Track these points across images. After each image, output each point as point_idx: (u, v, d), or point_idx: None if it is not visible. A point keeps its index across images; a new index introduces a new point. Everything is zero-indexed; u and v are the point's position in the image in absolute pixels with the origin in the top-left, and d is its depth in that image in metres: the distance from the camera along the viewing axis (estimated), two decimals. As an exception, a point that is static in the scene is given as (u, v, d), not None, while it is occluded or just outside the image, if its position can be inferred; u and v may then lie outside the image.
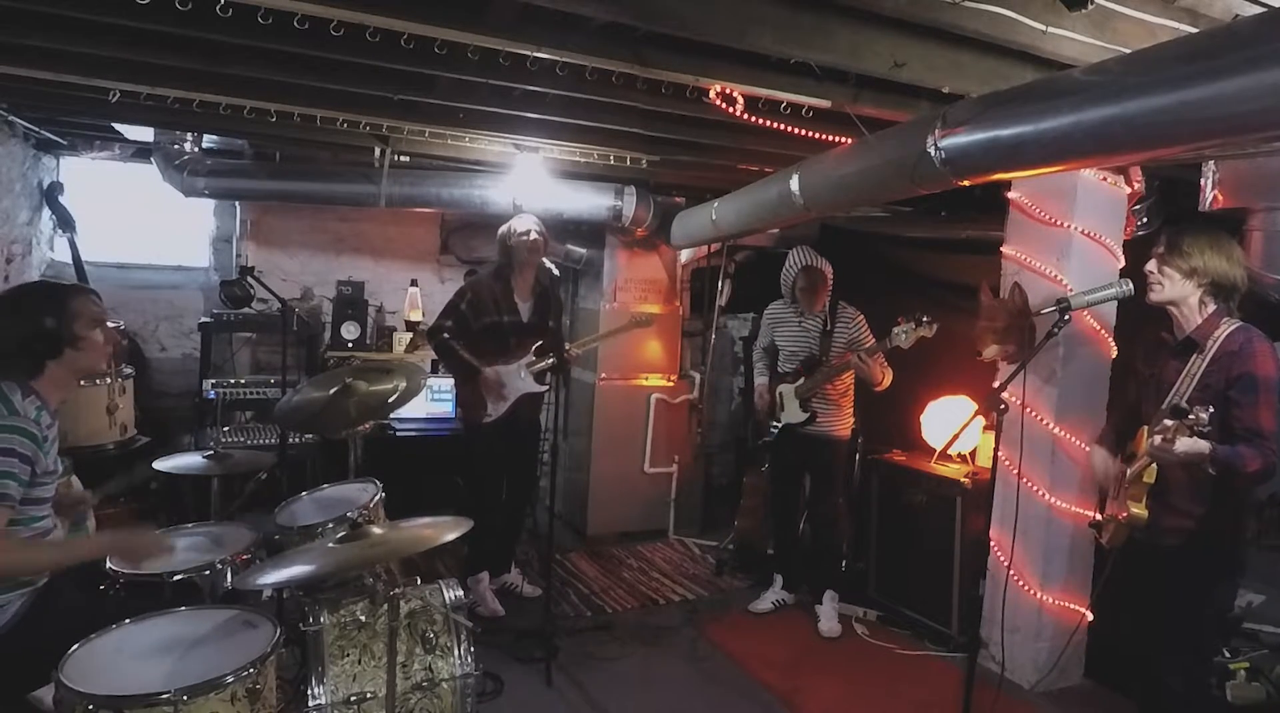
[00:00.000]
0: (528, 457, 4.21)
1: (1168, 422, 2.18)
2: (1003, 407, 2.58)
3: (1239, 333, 2.36)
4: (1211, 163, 3.10)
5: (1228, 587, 2.53)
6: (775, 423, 4.14)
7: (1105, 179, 3.42)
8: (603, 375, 5.28)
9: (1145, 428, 2.44)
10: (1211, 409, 2.12)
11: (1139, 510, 2.42)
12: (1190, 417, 2.11)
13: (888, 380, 3.91)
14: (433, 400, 5.02)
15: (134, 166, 5.08)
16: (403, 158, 4.44)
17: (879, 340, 3.77)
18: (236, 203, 5.19)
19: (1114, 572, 2.72)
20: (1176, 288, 2.42)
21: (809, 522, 4.23)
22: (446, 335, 3.91)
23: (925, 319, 3.55)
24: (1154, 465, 2.36)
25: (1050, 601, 3.44)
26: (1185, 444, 2.17)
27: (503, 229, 4.02)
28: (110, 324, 2.36)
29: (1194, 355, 2.40)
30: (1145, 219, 3.61)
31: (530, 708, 3.21)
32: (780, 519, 4.36)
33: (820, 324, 4.04)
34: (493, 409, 3.92)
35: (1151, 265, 2.47)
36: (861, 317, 4.04)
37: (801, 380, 4.02)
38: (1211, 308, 2.42)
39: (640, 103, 3.16)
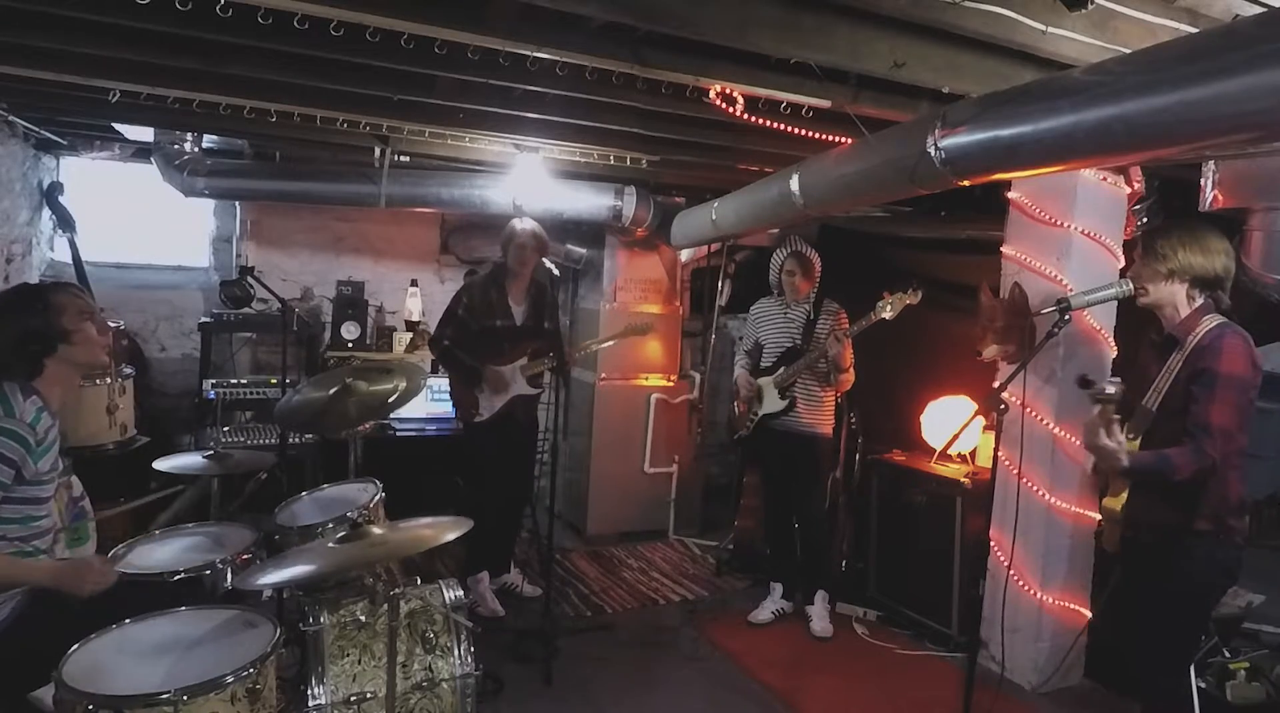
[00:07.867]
0: (525, 456, 4.22)
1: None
2: (1003, 407, 2.58)
3: (1216, 329, 2.35)
4: (1211, 163, 3.09)
5: (1208, 587, 2.47)
6: (753, 416, 4.11)
7: (1105, 179, 3.42)
8: (603, 375, 5.28)
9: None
10: (1119, 381, 2.21)
11: (1111, 503, 2.48)
12: (1095, 387, 2.21)
13: (850, 377, 3.93)
14: (433, 400, 5.02)
15: (134, 166, 5.08)
16: (403, 158, 4.45)
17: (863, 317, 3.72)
18: (236, 203, 5.19)
19: (1106, 569, 2.72)
20: (1161, 290, 2.45)
21: (798, 522, 4.20)
22: (448, 342, 3.99)
23: (912, 287, 3.51)
24: None
25: (1050, 601, 3.44)
26: (1111, 444, 2.22)
27: (505, 231, 4.05)
28: (111, 324, 2.36)
29: (1174, 352, 2.42)
30: (1145, 219, 3.60)
31: (530, 708, 3.21)
32: (774, 522, 4.31)
33: (805, 315, 4.04)
34: (485, 409, 3.98)
35: (1135, 271, 2.52)
36: (844, 312, 4.02)
37: (781, 370, 4.01)
38: (1199, 302, 2.43)
39: (640, 103, 3.16)
